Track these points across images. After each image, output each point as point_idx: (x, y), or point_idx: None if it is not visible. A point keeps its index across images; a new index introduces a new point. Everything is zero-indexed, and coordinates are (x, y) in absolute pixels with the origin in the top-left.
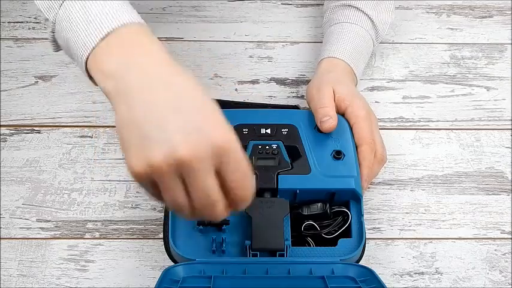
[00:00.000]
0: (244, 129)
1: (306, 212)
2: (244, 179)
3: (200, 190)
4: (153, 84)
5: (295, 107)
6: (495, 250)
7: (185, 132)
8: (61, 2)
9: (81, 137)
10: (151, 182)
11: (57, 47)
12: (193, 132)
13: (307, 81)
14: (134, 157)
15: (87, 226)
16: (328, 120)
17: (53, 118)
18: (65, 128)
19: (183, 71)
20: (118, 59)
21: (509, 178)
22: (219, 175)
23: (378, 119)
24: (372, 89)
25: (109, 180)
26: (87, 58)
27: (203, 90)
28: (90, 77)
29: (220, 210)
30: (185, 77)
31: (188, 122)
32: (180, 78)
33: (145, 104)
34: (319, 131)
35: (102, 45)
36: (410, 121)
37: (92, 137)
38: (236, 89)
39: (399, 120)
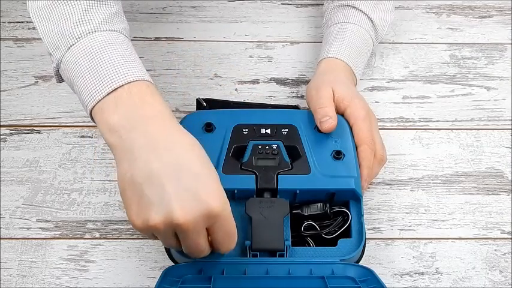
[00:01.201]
0: (244, 129)
1: (306, 212)
2: (230, 239)
3: (191, 245)
4: (156, 145)
5: (295, 107)
6: (495, 250)
7: (182, 199)
8: (69, 45)
9: (81, 137)
10: (150, 235)
11: (60, 80)
12: (190, 199)
13: (307, 81)
14: (134, 215)
15: (87, 226)
16: (328, 120)
17: (53, 118)
18: (65, 128)
19: (184, 131)
20: (124, 115)
21: (509, 178)
22: (209, 230)
23: (378, 119)
24: (372, 89)
25: (109, 180)
26: (93, 106)
27: (201, 151)
28: (92, 119)
29: (205, 254)
30: (186, 138)
31: (186, 189)
32: (181, 140)
33: (146, 165)
34: (319, 131)
35: (110, 99)
36: (410, 121)
37: (92, 137)
38: (236, 89)
39: (399, 120)
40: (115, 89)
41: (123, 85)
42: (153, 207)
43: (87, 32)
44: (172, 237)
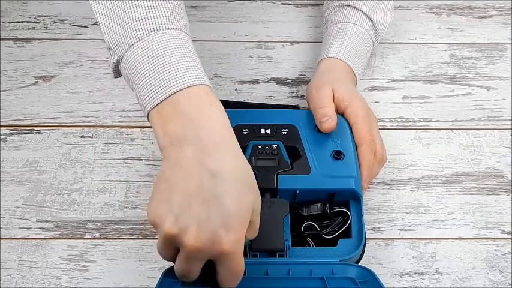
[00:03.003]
0: (244, 129)
1: (305, 212)
2: (233, 279)
3: (183, 266)
4: (203, 163)
5: (295, 107)
6: (495, 250)
7: (201, 227)
8: (130, 44)
9: (81, 137)
10: None
11: (117, 75)
12: (208, 231)
13: (307, 81)
14: (152, 210)
15: (87, 226)
16: (328, 120)
17: (53, 118)
18: (65, 128)
19: (236, 152)
20: (180, 123)
21: (509, 178)
22: (214, 263)
23: (378, 119)
24: (372, 89)
25: (109, 180)
26: (151, 109)
27: (245, 182)
28: (148, 119)
29: (189, 280)
30: (235, 164)
31: (209, 219)
32: (230, 165)
33: (185, 179)
34: (319, 131)
35: (168, 104)
36: (410, 121)
37: (92, 137)
38: (236, 89)
39: (399, 120)
40: (174, 93)
41: (182, 89)
42: (171, 216)
43: (149, 31)
44: (171, 248)
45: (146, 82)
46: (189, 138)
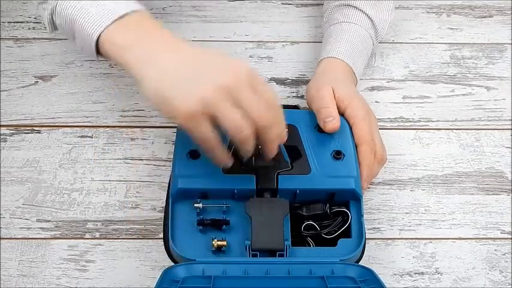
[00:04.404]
0: None
1: (305, 212)
2: (270, 102)
3: (248, 105)
4: (175, 48)
5: (295, 107)
6: (495, 250)
7: (221, 69)
8: None
9: (81, 137)
10: (201, 120)
11: (54, 28)
12: (227, 67)
13: (307, 81)
14: (184, 101)
15: (87, 226)
16: (332, 121)
17: (53, 118)
18: (65, 128)
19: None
20: (137, 33)
21: (509, 178)
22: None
23: (378, 119)
24: (372, 89)
25: (109, 180)
26: (99, 35)
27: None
28: (98, 53)
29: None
30: (193, 48)
31: (220, 63)
32: (193, 48)
33: (175, 61)
34: (319, 130)
35: (116, 26)
36: (410, 121)
37: (92, 137)
38: None
39: (399, 120)
40: (121, 16)
41: (126, 13)
42: (199, 85)
43: None
44: (232, 108)
45: (90, 13)
46: (152, 36)
